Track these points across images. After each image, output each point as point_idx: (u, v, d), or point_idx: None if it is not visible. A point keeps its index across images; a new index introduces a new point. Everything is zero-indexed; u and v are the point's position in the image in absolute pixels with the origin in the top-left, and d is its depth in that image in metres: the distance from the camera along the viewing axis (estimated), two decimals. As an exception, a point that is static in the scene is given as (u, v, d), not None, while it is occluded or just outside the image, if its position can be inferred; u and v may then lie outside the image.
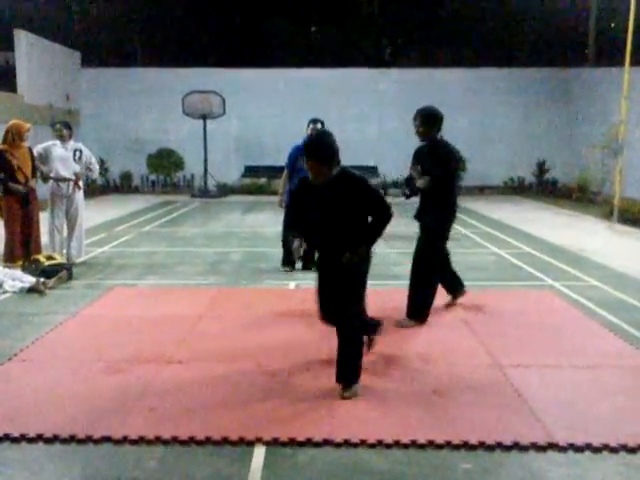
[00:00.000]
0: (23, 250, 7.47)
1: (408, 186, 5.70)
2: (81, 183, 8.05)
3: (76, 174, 7.90)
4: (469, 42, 23.97)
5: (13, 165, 7.41)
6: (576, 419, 3.61)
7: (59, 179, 7.84)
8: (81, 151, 7.98)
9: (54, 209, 7.97)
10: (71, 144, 7.95)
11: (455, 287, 5.89)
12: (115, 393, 3.95)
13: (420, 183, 5.34)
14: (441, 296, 6.18)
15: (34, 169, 7.72)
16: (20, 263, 7.32)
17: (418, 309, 5.41)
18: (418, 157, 5.54)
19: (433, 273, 5.45)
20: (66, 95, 18.12)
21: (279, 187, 8.20)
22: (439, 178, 5.24)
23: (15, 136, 7.44)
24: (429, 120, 5.34)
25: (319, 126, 7.67)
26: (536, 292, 6.63)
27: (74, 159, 7.90)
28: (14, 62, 16.12)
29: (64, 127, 7.96)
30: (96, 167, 8.28)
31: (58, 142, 7.89)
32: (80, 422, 3.52)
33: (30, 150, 7.76)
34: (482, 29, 23.66)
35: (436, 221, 5.43)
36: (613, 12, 20.17)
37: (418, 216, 5.63)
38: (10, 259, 7.36)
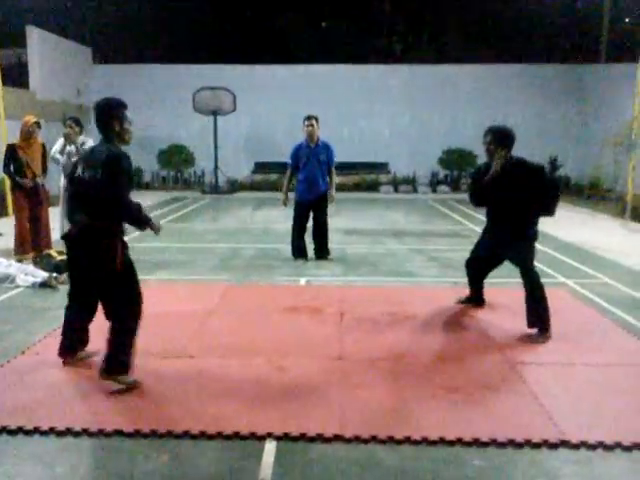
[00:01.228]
0: (33, 244, 7.58)
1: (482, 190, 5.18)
2: None
3: None
4: (481, 38, 23.84)
5: (22, 161, 7.55)
6: (588, 417, 3.59)
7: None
8: (84, 144, 7.99)
9: (64, 205, 8.03)
10: (80, 139, 7.99)
11: (478, 294, 5.80)
12: (127, 387, 3.97)
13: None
14: (454, 293, 6.17)
15: (44, 165, 7.81)
16: (31, 255, 7.42)
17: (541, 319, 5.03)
18: (497, 179, 5.03)
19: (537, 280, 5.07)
20: (77, 91, 18.20)
21: (283, 185, 8.23)
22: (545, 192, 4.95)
23: (22, 131, 7.63)
24: (502, 139, 5.03)
25: (314, 122, 7.74)
26: (548, 290, 6.57)
27: (79, 153, 7.94)
28: (26, 59, 16.22)
29: (74, 123, 8.01)
30: None
31: (65, 141, 7.93)
32: (92, 416, 3.55)
33: (43, 147, 7.88)
34: (495, 25, 23.53)
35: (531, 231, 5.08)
36: (627, 8, 19.99)
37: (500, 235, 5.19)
38: (21, 252, 7.48)
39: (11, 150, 7.71)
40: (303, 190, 7.91)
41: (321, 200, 7.94)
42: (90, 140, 8.20)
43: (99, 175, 3.77)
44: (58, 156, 7.99)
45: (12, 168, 7.67)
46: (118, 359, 3.89)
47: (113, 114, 3.95)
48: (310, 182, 7.83)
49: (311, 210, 7.99)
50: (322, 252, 8.07)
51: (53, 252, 7.25)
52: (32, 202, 7.72)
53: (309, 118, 7.81)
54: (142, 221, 4.00)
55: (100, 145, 3.98)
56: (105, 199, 3.79)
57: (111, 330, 3.92)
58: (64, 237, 4.09)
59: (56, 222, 8.08)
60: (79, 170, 3.94)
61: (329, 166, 7.93)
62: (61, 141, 8.03)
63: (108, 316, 3.98)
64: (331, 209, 8.25)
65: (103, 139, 3.98)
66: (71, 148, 7.84)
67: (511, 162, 5.05)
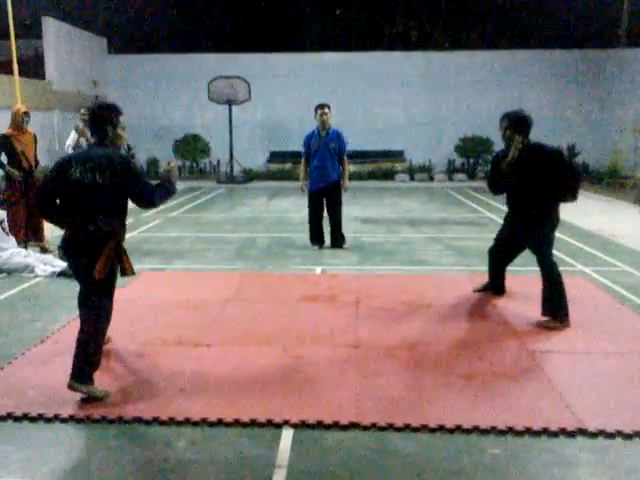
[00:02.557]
0: (27, 234, 7.63)
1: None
2: None
3: None
4: (497, 24, 23.55)
5: (17, 150, 7.54)
6: (607, 405, 3.56)
7: None
8: None
9: None
10: None
11: (498, 282, 5.72)
12: (145, 375, 4.02)
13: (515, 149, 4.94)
14: (471, 281, 6.14)
15: (36, 157, 7.81)
16: (29, 243, 7.53)
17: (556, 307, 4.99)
18: (517, 164, 4.98)
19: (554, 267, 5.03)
20: (93, 81, 18.30)
21: (300, 172, 8.28)
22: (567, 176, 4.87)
23: (13, 120, 7.61)
24: (519, 124, 4.98)
25: (326, 110, 7.74)
26: (567, 277, 6.50)
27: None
28: (42, 49, 16.32)
29: (88, 112, 8.03)
30: None
31: (78, 132, 7.94)
32: (111, 403, 3.59)
33: (35, 138, 7.87)
34: (511, 10, 23.21)
35: (550, 217, 4.99)
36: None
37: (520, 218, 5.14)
38: (19, 239, 7.50)
39: (5, 141, 7.63)
40: (315, 178, 7.92)
41: (333, 188, 7.94)
42: None
43: (102, 180, 3.68)
44: (70, 151, 7.99)
45: (5, 159, 7.61)
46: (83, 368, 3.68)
47: (107, 119, 3.91)
48: (322, 170, 7.83)
49: (325, 198, 7.99)
50: (337, 240, 8.07)
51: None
52: (27, 193, 7.66)
53: (322, 107, 7.81)
54: (171, 190, 3.97)
55: (97, 148, 3.88)
56: (109, 204, 3.74)
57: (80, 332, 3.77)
58: (65, 244, 3.87)
59: None
60: (75, 172, 3.71)
61: (340, 154, 7.92)
62: (73, 135, 8.02)
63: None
64: (346, 197, 8.23)
65: (97, 142, 3.92)
66: (82, 140, 7.85)
67: (529, 147, 5.00)
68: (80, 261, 3.76)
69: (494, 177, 5.26)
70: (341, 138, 7.94)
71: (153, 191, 3.83)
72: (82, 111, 8.05)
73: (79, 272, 3.83)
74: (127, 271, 3.92)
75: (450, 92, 18.90)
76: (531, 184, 4.93)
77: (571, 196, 4.98)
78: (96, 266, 3.67)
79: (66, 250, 3.87)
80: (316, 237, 8.09)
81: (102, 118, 3.92)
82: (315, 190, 7.97)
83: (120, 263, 3.86)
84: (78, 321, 3.81)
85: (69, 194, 3.75)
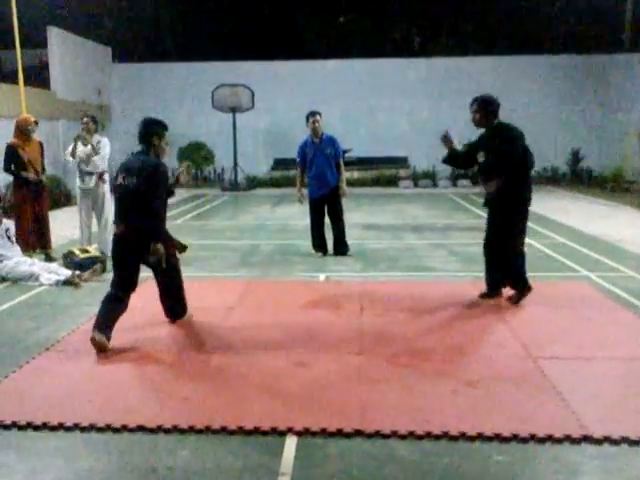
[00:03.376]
0: (34, 242, 7.64)
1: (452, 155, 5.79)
2: (106, 176, 8.07)
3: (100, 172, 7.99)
4: (500, 30, 23.58)
5: (24, 160, 7.56)
6: (612, 412, 3.54)
7: (82, 173, 7.96)
8: (99, 142, 7.98)
9: (80, 204, 8.11)
10: (96, 137, 8.02)
11: (495, 287, 5.81)
12: (149, 383, 4.02)
13: (489, 187, 5.41)
14: (475, 287, 6.13)
15: (42, 165, 7.84)
16: (36, 251, 7.55)
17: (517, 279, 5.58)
18: (480, 143, 5.57)
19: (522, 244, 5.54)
20: (98, 90, 18.39)
21: (297, 182, 8.24)
22: (509, 163, 5.26)
23: (21, 130, 7.62)
24: (486, 106, 5.42)
25: (318, 118, 7.77)
26: (571, 283, 6.52)
27: (95, 152, 7.97)
28: (47, 59, 16.42)
29: (91, 121, 8.06)
30: (100, 161, 7.95)
31: (80, 139, 7.96)
32: (115, 411, 3.59)
33: (41, 145, 7.90)
34: (514, 16, 23.24)
35: (510, 197, 5.35)
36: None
37: (490, 201, 5.56)
38: (25, 248, 7.48)
39: (11, 150, 7.65)
40: (314, 186, 7.93)
41: (333, 194, 7.94)
42: (105, 139, 8.22)
43: (135, 182, 4.51)
44: (69, 158, 8.02)
45: (13, 167, 7.62)
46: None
47: (153, 131, 4.73)
48: (320, 178, 7.84)
49: (325, 205, 7.99)
50: (340, 248, 8.06)
51: (76, 250, 7.34)
52: (34, 200, 7.70)
53: (313, 114, 7.85)
54: (155, 235, 4.59)
55: (137, 155, 4.75)
56: (139, 205, 4.50)
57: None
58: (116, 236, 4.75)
59: (75, 221, 8.14)
60: (120, 178, 4.62)
61: (337, 159, 7.93)
62: (72, 145, 8.03)
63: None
64: (350, 204, 8.22)
65: (142, 150, 4.74)
66: (86, 148, 7.85)
67: (495, 126, 5.42)
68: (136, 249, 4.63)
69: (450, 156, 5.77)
70: (336, 143, 7.97)
71: (156, 204, 4.59)
72: (85, 119, 8.06)
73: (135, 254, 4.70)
74: (179, 250, 5.06)
75: (453, 98, 18.89)
76: (490, 163, 5.35)
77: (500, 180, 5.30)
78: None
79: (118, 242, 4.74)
80: (319, 244, 8.09)
81: (150, 130, 4.74)
82: (315, 197, 7.96)
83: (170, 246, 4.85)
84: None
85: (121, 197, 4.67)
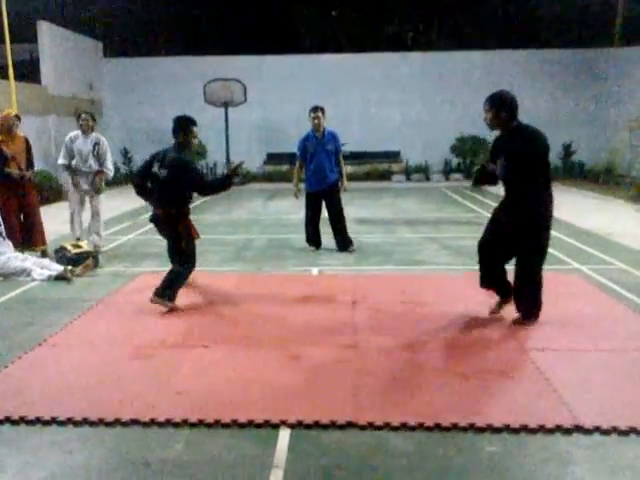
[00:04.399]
0: (22, 239, 7.53)
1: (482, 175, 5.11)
2: (102, 183, 8.04)
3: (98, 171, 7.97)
4: (493, 24, 23.58)
5: (7, 155, 7.47)
6: (603, 402, 3.57)
7: (77, 171, 7.92)
8: (99, 144, 7.96)
9: (71, 200, 8.08)
10: (93, 136, 7.98)
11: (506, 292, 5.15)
12: (142, 377, 4.02)
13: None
14: (467, 280, 6.15)
15: (29, 161, 7.74)
16: (34, 250, 7.49)
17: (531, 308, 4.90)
18: (498, 148, 4.79)
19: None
20: (89, 85, 18.28)
21: (294, 177, 8.21)
22: (533, 166, 4.51)
23: (4, 127, 7.53)
24: (497, 105, 4.66)
25: (319, 114, 7.72)
26: (563, 276, 6.55)
27: (93, 154, 7.93)
28: (37, 54, 16.31)
29: (91, 118, 8.02)
30: (109, 167, 8.07)
31: (80, 134, 7.94)
32: (109, 405, 3.59)
33: (27, 141, 7.81)
34: (506, 10, 23.26)
35: (537, 208, 4.60)
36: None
37: (505, 211, 4.81)
38: (14, 246, 7.42)
39: None
40: (313, 181, 7.89)
41: (332, 190, 7.91)
42: (102, 138, 8.18)
43: (168, 175, 5.21)
44: (63, 161, 7.99)
45: None
46: (165, 289, 5.31)
47: (182, 126, 5.37)
48: (320, 173, 7.80)
49: (323, 200, 7.97)
50: (344, 243, 7.98)
51: (68, 245, 7.31)
52: (19, 196, 7.57)
53: (315, 110, 7.79)
54: (225, 186, 5.55)
55: (172, 151, 5.34)
56: (168, 193, 5.27)
57: (170, 270, 5.47)
58: (152, 218, 5.52)
59: (65, 216, 8.11)
60: (155, 167, 5.31)
61: (337, 155, 7.91)
62: (63, 150, 7.99)
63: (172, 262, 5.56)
64: (343, 198, 8.21)
65: (174, 145, 5.38)
66: (85, 146, 7.83)
67: (513, 128, 4.67)
68: (164, 230, 5.50)
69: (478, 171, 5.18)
70: (337, 138, 7.94)
71: (204, 186, 5.59)
72: (84, 116, 8.00)
73: (167, 237, 5.52)
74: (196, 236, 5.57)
75: (446, 92, 18.91)
76: (513, 170, 4.58)
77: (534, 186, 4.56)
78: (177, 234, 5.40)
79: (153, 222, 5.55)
80: (312, 239, 8.06)
81: (178, 126, 5.36)
82: (313, 191, 7.94)
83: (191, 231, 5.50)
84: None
85: (151, 183, 5.42)
